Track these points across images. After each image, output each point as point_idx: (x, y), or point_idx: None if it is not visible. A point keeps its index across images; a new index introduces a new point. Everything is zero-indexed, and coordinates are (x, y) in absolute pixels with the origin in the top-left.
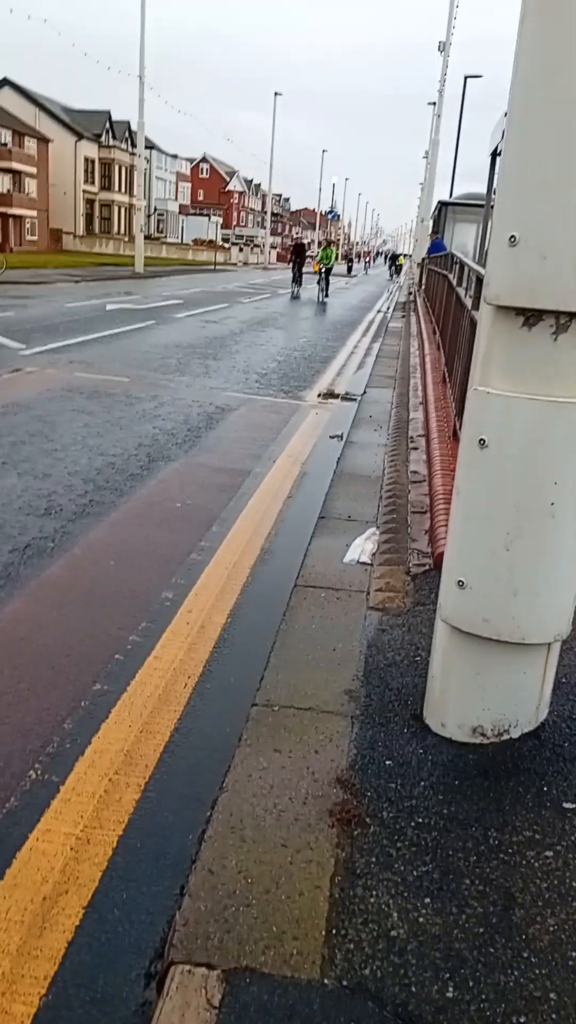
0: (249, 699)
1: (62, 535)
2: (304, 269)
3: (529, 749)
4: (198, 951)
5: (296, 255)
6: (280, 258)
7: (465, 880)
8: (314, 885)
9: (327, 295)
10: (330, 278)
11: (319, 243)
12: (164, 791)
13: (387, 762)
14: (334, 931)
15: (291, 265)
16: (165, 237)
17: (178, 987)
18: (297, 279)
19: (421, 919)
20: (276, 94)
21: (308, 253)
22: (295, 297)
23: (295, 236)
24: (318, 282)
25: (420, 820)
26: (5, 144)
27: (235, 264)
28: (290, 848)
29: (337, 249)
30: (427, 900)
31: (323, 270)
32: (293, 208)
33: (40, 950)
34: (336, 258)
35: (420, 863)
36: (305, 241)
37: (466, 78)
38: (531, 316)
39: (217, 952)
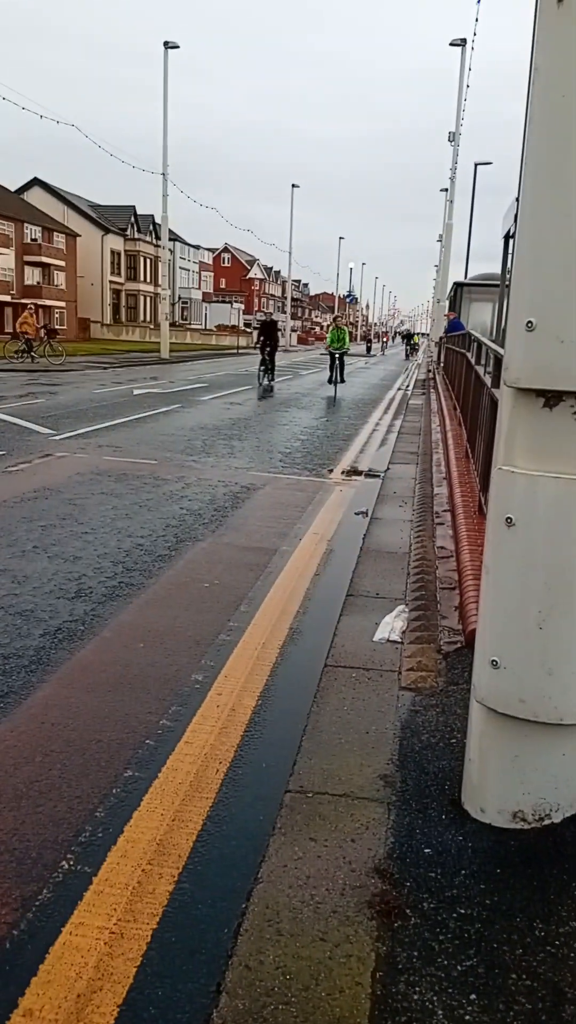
0: (282, 785)
1: (92, 618)
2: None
3: (573, 834)
4: None
5: (265, 335)
6: (301, 340)
7: (512, 975)
8: (355, 981)
9: (342, 380)
10: (345, 361)
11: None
12: (198, 882)
13: (426, 850)
14: None
15: (258, 348)
16: (189, 324)
17: None
18: (267, 367)
19: (467, 1017)
20: (293, 186)
21: (316, 334)
22: (265, 394)
23: (266, 311)
24: (331, 369)
25: (462, 911)
26: (35, 240)
27: (257, 348)
28: (329, 942)
29: (353, 330)
30: (472, 996)
31: (335, 355)
32: (312, 293)
33: None
34: (350, 339)
35: (464, 957)
36: (280, 319)
37: (476, 165)
38: (551, 397)
39: None
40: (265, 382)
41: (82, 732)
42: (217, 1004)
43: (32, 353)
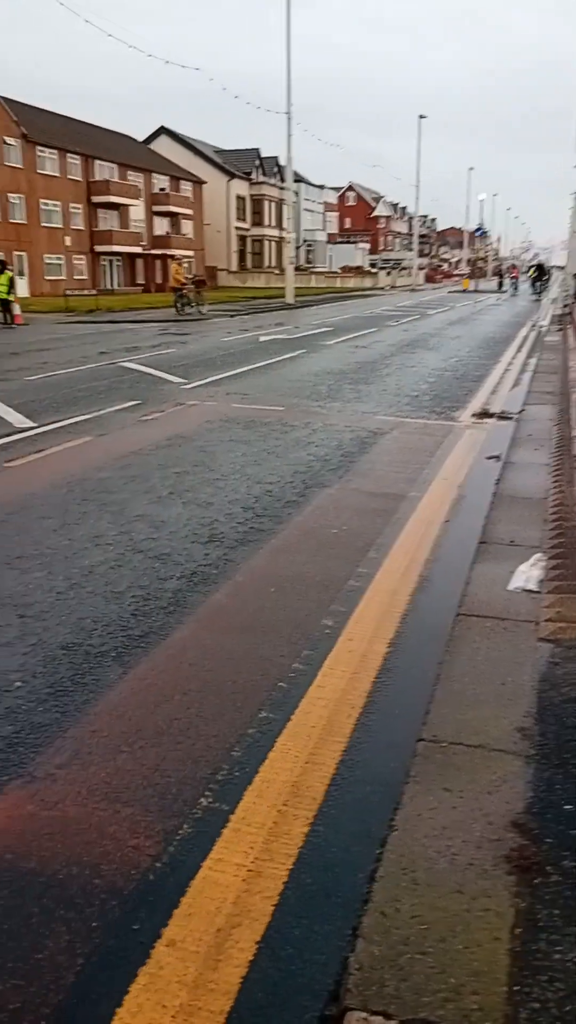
0: (414, 733)
1: (225, 562)
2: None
3: None
4: (374, 998)
5: None
6: (428, 279)
7: None
8: (493, 936)
9: None
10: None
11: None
12: (332, 826)
13: (567, 807)
14: (517, 988)
15: None
16: (314, 267)
17: None
18: None
19: None
20: (420, 116)
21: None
22: None
23: None
24: None
25: None
26: (163, 189)
27: (382, 288)
28: (466, 895)
29: (483, 265)
30: None
31: None
32: (440, 228)
33: (215, 983)
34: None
35: None
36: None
37: None
38: None
39: (394, 1001)
40: None
41: (218, 673)
42: (354, 948)
43: (181, 303)
